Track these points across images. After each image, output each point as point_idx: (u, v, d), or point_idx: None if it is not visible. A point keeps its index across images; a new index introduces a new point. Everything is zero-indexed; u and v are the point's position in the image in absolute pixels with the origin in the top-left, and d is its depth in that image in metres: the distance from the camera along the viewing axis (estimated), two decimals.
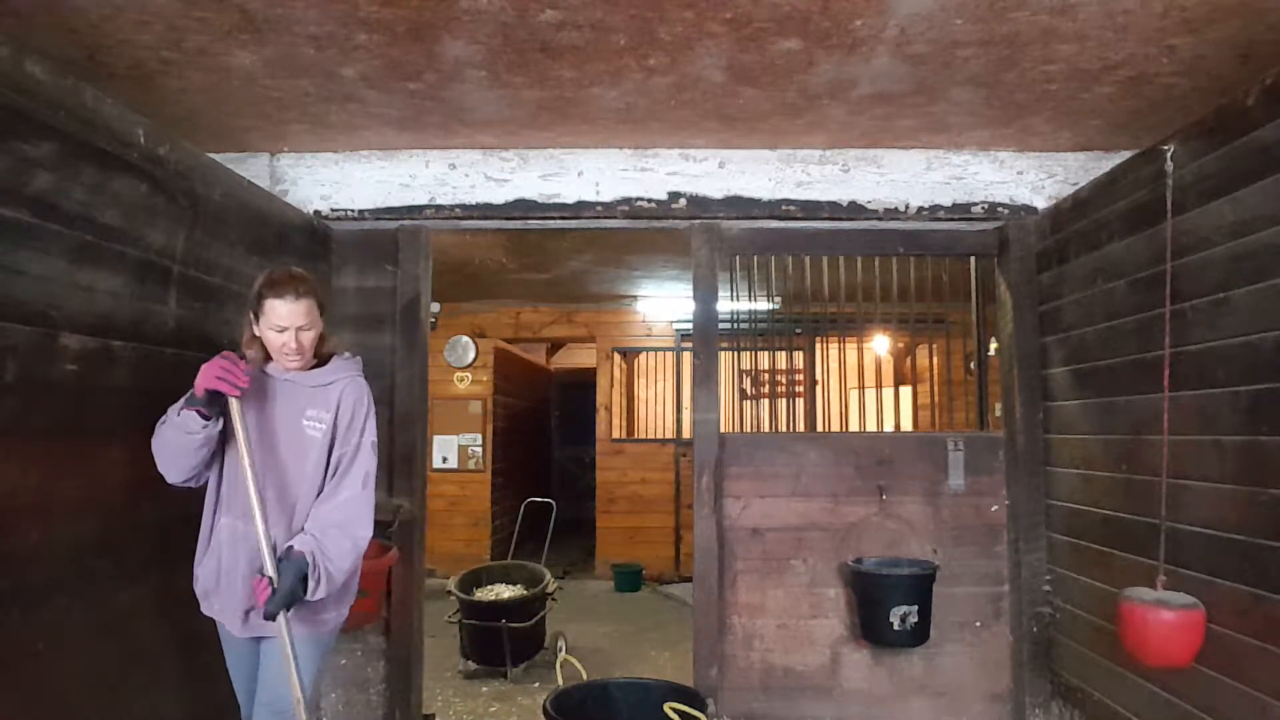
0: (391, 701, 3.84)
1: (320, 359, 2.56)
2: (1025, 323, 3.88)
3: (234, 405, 2.33)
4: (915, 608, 3.59)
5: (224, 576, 2.43)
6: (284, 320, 2.39)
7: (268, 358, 2.52)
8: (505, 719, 4.54)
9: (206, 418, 2.31)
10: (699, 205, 3.95)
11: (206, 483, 2.50)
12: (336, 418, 2.49)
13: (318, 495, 2.47)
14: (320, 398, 2.50)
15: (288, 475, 2.47)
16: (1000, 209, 3.93)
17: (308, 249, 3.80)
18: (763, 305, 4.46)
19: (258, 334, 2.47)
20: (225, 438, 2.46)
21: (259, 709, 2.46)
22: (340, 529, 2.39)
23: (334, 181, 3.97)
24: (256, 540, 2.31)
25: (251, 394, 2.43)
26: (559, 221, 4.02)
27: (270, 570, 2.28)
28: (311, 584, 2.30)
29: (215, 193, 3.00)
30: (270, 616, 2.26)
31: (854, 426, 5.85)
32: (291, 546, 2.32)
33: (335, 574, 2.35)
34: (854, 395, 5.80)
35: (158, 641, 2.69)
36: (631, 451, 8.58)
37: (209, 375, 2.26)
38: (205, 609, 2.51)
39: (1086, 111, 3.40)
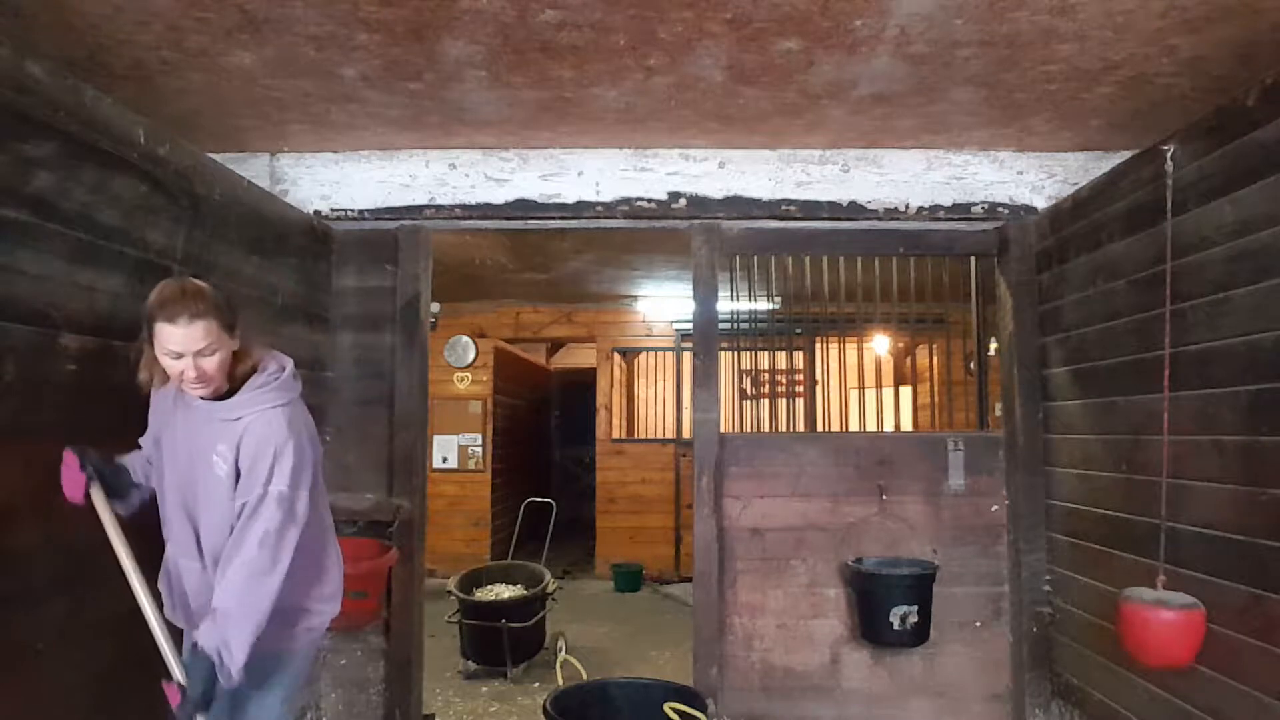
0: (391, 701, 3.84)
1: (235, 383, 2.19)
2: (1025, 323, 3.88)
3: (97, 495, 2.16)
4: (915, 608, 3.59)
5: (178, 601, 2.32)
6: (177, 346, 2.05)
7: (164, 383, 2.22)
8: (505, 719, 4.54)
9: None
10: (699, 205, 3.95)
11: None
12: (238, 458, 2.12)
13: (225, 534, 2.19)
14: (228, 432, 2.15)
15: (203, 517, 2.21)
16: (1000, 209, 3.93)
17: (308, 249, 3.80)
18: (763, 305, 4.46)
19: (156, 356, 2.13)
20: (158, 468, 2.31)
21: None
22: (231, 611, 2.05)
23: (334, 181, 3.97)
24: (201, 576, 2.21)
25: (170, 423, 2.25)
26: (559, 221, 4.02)
27: (178, 675, 2.03)
28: (223, 679, 2.03)
29: (215, 193, 3.00)
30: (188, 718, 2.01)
31: (854, 426, 5.86)
32: (195, 644, 2.06)
33: (243, 656, 2.05)
34: (854, 395, 5.80)
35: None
36: (631, 451, 8.58)
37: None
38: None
39: (1086, 111, 3.40)
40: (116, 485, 2.27)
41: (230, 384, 2.19)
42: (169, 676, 2.04)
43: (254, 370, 2.22)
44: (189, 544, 2.25)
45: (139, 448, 2.42)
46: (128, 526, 2.21)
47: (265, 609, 2.08)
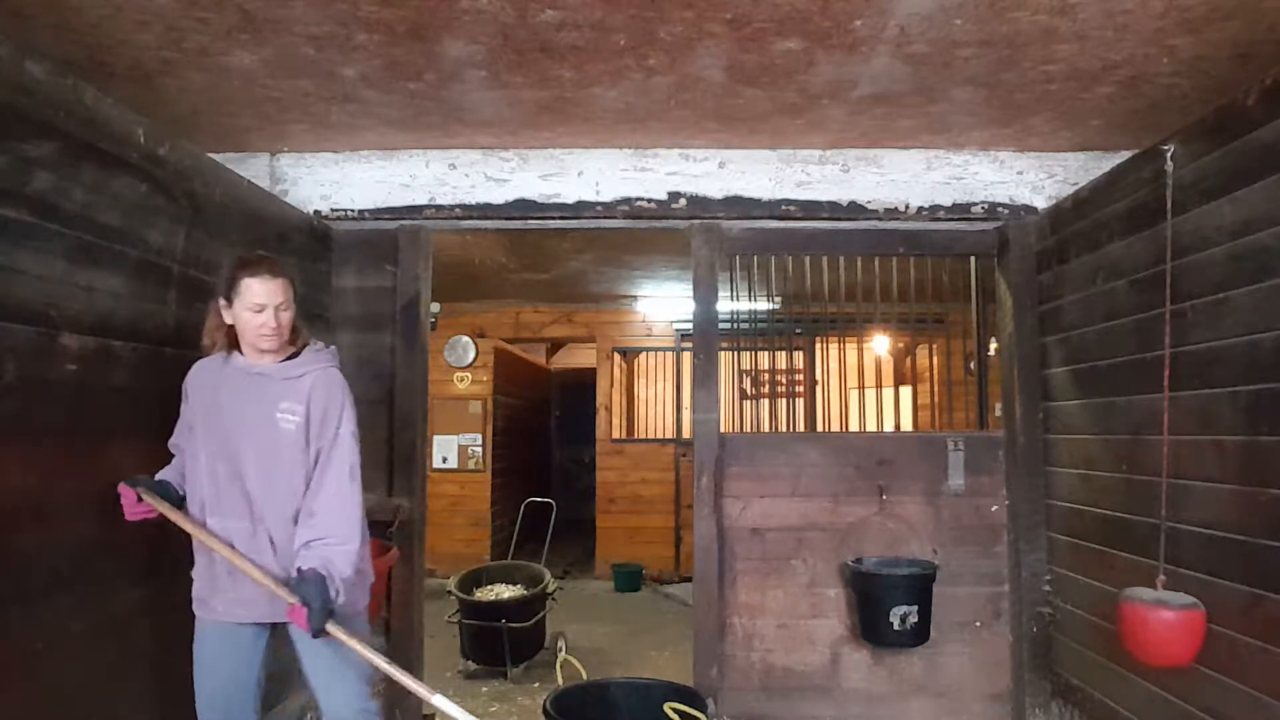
0: (391, 701, 3.84)
1: (292, 350, 2.52)
2: (1025, 323, 3.88)
3: (157, 502, 2.39)
4: (915, 608, 3.59)
5: (229, 574, 2.41)
6: (261, 298, 2.37)
7: (232, 348, 2.49)
8: (505, 719, 4.54)
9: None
10: (699, 205, 3.95)
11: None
12: (309, 410, 2.43)
13: (299, 490, 2.42)
14: (293, 390, 2.45)
15: (265, 472, 2.42)
16: (1000, 209, 3.93)
17: (308, 249, 3.80)
18: (763, 305, 4.46)
19: (228, 320, 2.44)
20: (193, 440, 2.48)
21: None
22: (335, 532, 2.34)
23: (334, 181, 3.97)
24: (253, 538, 2.38)
25: (218, 390, 2.45)
26: (559, 221, 4.02)
27: (289, 597, 2.25)
28: (331, 594, 2.26)
29: (215, 193, 3.00)
30: (319, 633, 2.22)
31: (854, 426, 5.85)
32: (300, 568, 2.29)
33: (347, 575, 2.32)
34: (854, 395, 5.80)
35: (157, 642, 2.69)
36: (631, 451, 8.57)
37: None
38: (203, 612, 2.48)
39: (1086, 111, 3.40)
40: (167, 498, 2.45)
41: (290, 348, 2.50)
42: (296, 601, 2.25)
43: (306, 341, 2.55)
44: (238, 507, 2.42)
45: (168, 454, 2.60)
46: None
47: (360, 533, 2.39)
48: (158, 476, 2.51)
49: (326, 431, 2.44)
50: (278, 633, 2.51)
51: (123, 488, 2.38)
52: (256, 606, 2.42)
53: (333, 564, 2.29)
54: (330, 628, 2.24)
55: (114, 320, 2.50)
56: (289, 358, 2.50)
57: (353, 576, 2.37)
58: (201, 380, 2.52)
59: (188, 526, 2.40)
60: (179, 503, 2.48)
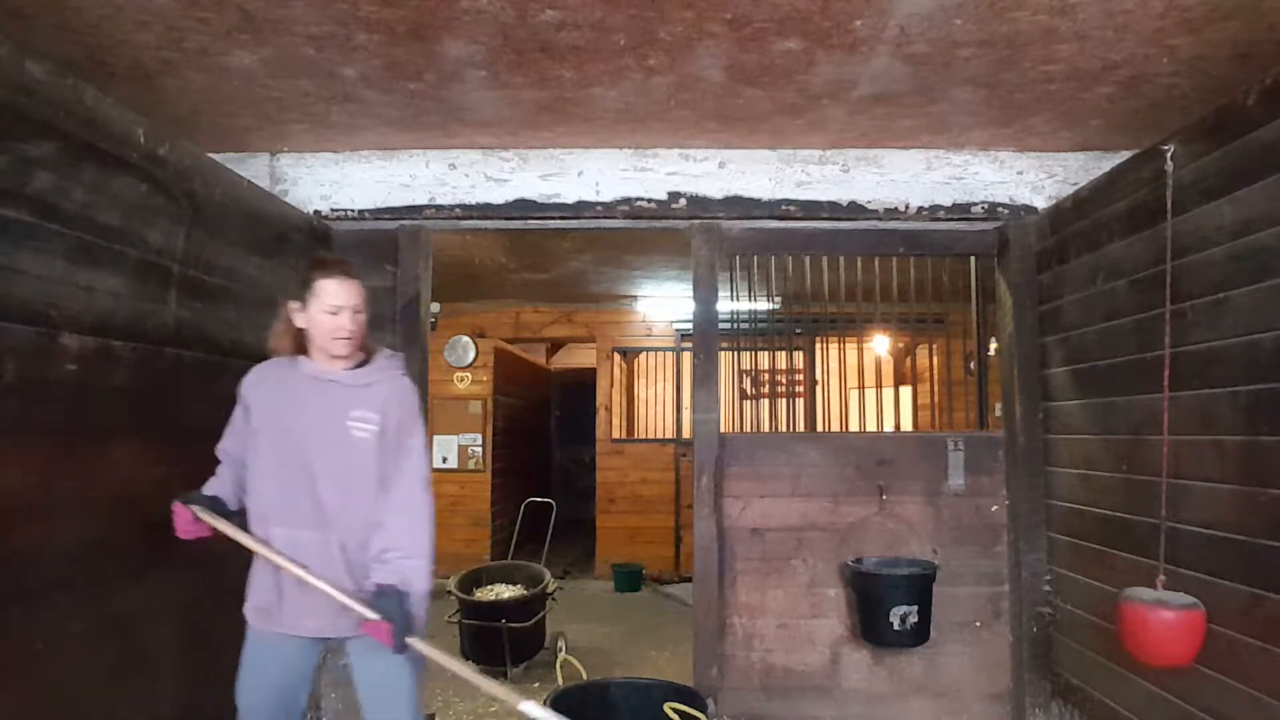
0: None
1: (361, 356, 2.46)
2: (1025, 323, 3.88)
3: (212, 519, 2.35)
4: (915, 608, 3.59)
5: (297, 584, 2.31)
6: (338, 300, 2.32)
7: (296, 353, 2.42)
8: (505, 719, 4.54)
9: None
10: (699, 205, 3.95)
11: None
12: (384, 419, 2.37)
13: (373, 499, 2.36)
14: (365, 398, 2.38)
15: (339, 481, 2.35)
16: (1000, 209, 3.93)
17: (308, 249, 3.80)
18: (763, 305, 4.46)
19: (300, 324, 2.37)
20: (256, 447, 2.40)
21: None
22: (408, 545, 2.30)
23: (334, 181, 3.97)
24: (323, 548, 2.31)
25: (285, 396, 2.38)
26: (559, 221, 4.02)
27: (369, 613, 2.21)
28: (410, 609, 2.25)
29: (215, 193, 3.00)
30: (403, 649, 2.21)
31: (854, 426, 5.85)
32: (379, 583, 2.25)
33: (424, 589, 2.30)
34: (854, 395, 5.80)
35: (158, 641, 2.69)
36: (631, 451, 8.57)
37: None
38: (264, 623, 2.39)
39: (1086, 111, 3.40)
40: (221, 514, 2.41)
41: (359, 354, 2.45)
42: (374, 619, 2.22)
43: (374, 347, 2.50)
44: (309, 517, 2.33)
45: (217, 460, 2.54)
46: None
47: (432, 546, 2.34)
48: (208, 491, 2.44)
49: (402, 440, 2.39)
50: (330, 646, 2.47)
51: (177, 507, 2.34)
52: (322, 620, 2.35)
53: (410, 579, 2.26)
54: (412, 642, 2.22)
55: (114, 320, 2.50)
56: (357, 364, 2.43)
57: (427, 590, 2.32)
58: (265, 386, 2.44)
59: (250, 544, 2.32)
60: (231, 517, 2.41)
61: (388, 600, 2.20)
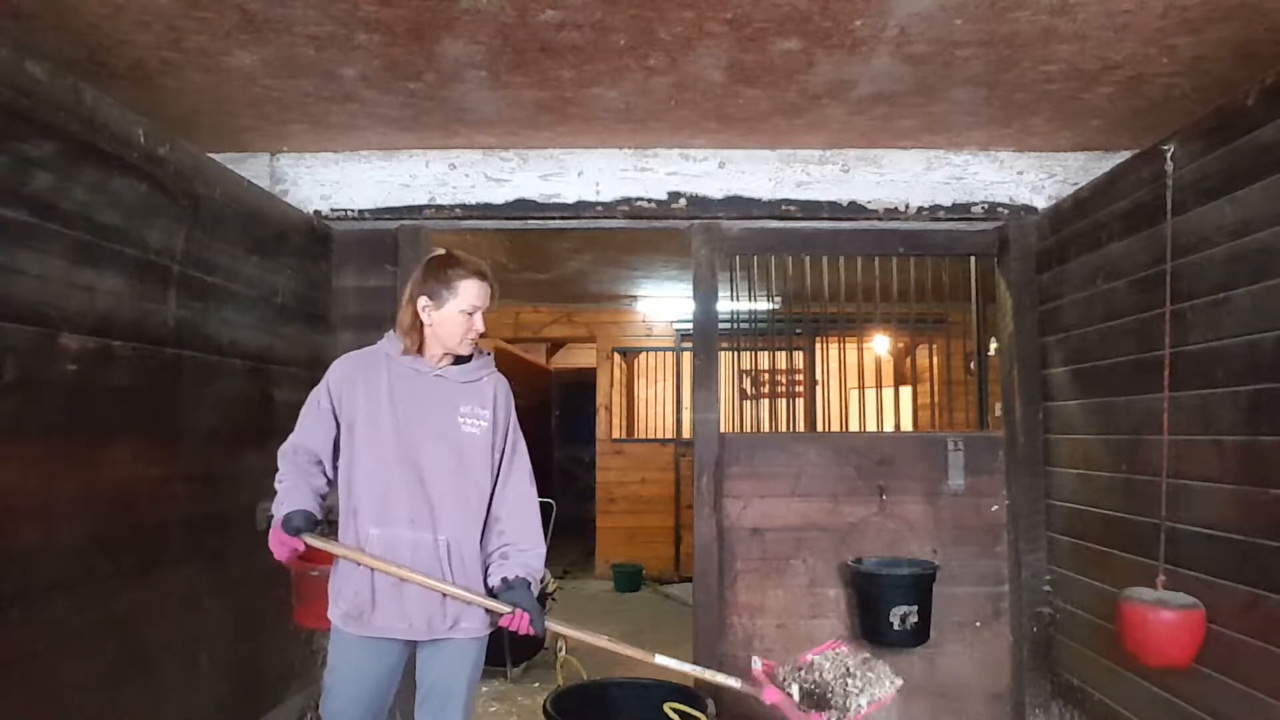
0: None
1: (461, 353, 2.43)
2: (1025, 323, 3.88)
3: (313, 540, 2.26)
4: (915, 608, 3.59)
5: (393, 586, 2.25)
6: (478, 300, 2.32)
7: (408, 350, 2.36)
8: (505, 719, 4.53)
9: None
10: (699, 205, 3.95)
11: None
12: (495, 414, 2.39)
13: (486, 495, 2.38)
14: (473, 394, 2.37)
15: (451, 477, 2.32)
16: (1000, 209, 3.93)
17: (308, 249, 3.80)
18: (763, 305, 4.46)
19: (427, 320, 2.32)
20: (350, 442, 2.32)
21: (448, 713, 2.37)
22: (527, 538, 2.42)
23: (334, 181, 3.97)
24: (428, 547, 2.27)
25: (387, 390, 2.31)
26: (559, 221, 4.02)
27: (502, 608, 2.26)
28: (537, 596, 2.33)
29: (215, 193, 3.00)
30: (544, 633, 2.37)
31: (854, 426, 5.84)
32: (505, 577, 2.32)
33: (542, 578, 2.41)
34: (854, 395, 5.80)
35: (158, 641, 2.69)
36: (631, 451, 8.57)
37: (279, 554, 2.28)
38: (357, 627, 2.29)
39: (1086, 111, 3.40)
40: (318, 529, 2.35)
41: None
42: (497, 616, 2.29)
43: None
44: (416, 514, 2.28)
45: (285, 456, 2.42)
46: None
47: (542, 534, 2.49)
48: (291, 505, 2.28)
49: (509, 435, 2.43)
50: (411, 649, 2.41)
51: (285, 538, 2.24)
52: (418, 622, 2.28)
53: (533, 570, 2.37)
54: (549, 623, 2.36)
55: (114, 320, 2.50)
56: (459, 360, 2.41)
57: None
58: (359, 377, 2.35)
59: (362, 559, 2.23)
60: (326, 530, 2.34)
61: (519, 593, 2.29)
